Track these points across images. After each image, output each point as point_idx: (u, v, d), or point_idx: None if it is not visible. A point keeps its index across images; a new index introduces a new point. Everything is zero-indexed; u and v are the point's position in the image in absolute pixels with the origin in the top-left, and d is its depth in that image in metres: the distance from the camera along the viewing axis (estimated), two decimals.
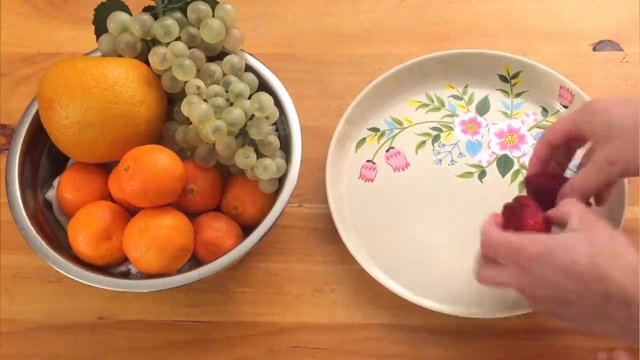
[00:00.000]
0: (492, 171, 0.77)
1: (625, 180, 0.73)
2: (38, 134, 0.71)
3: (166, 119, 0.71)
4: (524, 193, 0.75)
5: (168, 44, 0.68)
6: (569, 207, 0.60)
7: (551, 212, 0.61)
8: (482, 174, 0.77)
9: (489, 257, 0.62)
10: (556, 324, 0.70)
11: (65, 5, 0.89)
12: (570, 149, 0.67)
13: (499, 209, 0.64)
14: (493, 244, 0.60)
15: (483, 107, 0.80)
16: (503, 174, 0.77)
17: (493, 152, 0.78)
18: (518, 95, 0.81)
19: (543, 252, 0.57)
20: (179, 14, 0.70)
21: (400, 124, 0.80)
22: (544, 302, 0.59)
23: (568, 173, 0.76)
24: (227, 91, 0.67)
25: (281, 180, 0.68)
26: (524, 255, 0.58)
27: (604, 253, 0.55)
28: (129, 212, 0.68)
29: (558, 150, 0.66)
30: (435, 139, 0.79)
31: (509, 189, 0.76)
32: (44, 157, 0.73)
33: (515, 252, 0.58)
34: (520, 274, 0.58)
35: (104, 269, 0.67)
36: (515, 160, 0.77)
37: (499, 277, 0.61)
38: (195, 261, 0.68)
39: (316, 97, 0.82)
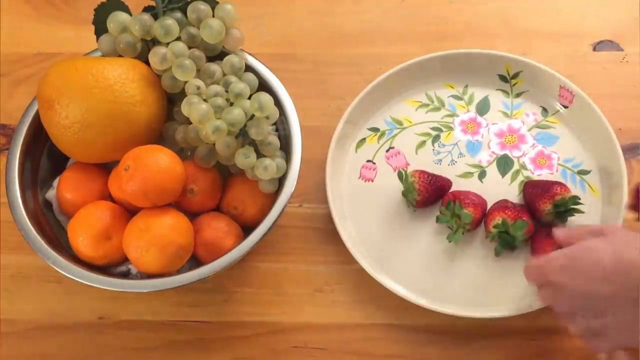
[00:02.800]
0: (492, 171, 0.77)
1: (625, 180, 0.73)
2: (38, 134, 0.71)
3: (166, 119, 0.71)
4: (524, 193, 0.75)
5: (168, 44, 0.68)
6: (579, 228, 0.61)
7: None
8: (482, 174, 0.77)
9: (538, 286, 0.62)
10: (556, 323, 0.70)
11: (65, 5, 0.89)
12: None
13: None
14: (527, 273, 0.61)
15: (483, 107, 0.80)
16: (503, 174, 0.77)
17: (493, 152, 0.78)
18: (518, 95, 0.81)
19: (566, 262, 0.57)
20: (179, 14, 0.69)
21: (400, 124, 0.80)
22: (579, 318, 0.57)
23: (569, 172, 0.76)
24: (227, 91, 0.67)
25: (281, 180, 0.68)
26: (550, 271, 0.58)
27: (626, 246, 0.54)
28: (129, 212, 0.68)
29: None
30: (435, 139, 0.79)
31: (509, 189, 0.76)
32: (44, 157, 0.73)
33: (542, 271, 0.59)
34: (553, 291, 0.58)
35: (104, 269, 0.67)
36: (515, 160, 0.77)
37: (544, 296, 0.61)
38: (195, 261, 0.68)
39: (316, 97, 0.82)
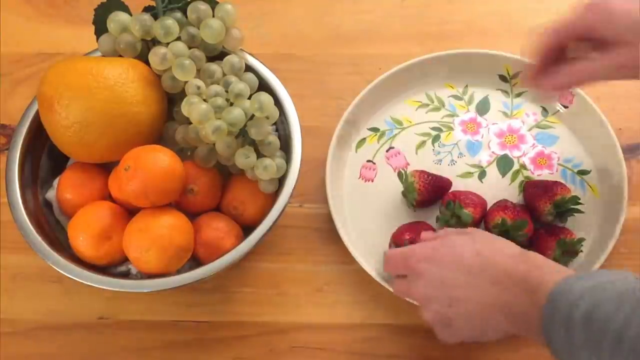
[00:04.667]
0: (492, 171, 0.77)
1: (625, 180, 0.73)
2: (38, 134, 0.71)
3: (166, 119, 0.71)
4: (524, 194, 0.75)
5: (168, 44, 0.68)
6: (446, 229, 0.68)
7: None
8: (482, 174, 0.77)
9: (396, 274, 0.67)
10: None
11: (65, 6, 0.89)
12: (562, 52, 0.66)
13: None
14: (389, 259, 0.67)
15: (483, 107, 0.80)
16: (503, 174, 0.77)
17: (493, 152, 0.78)
18: (518, 95, 0.81)
19: (430, 252, 0.63)
20: (179, 14, 0.69)
21: (400, 124, 0.80)
22: (434, 305, 0.61)
23: (569, 172, 0.76)
24: (227, 91, 0.67)
25: (281, 180, 0.68)
26: (413, 258, 0.64)
27: (485, 244, 0.62)
28: (129, 212, 0.68)
29: (554, 50, 0.65)
30: (435, 139, 0.79)
31: (509, 189, 0.76)
32: (44, 157, 0.73)
33: (405, 258, 0.64)
34: (413, 279, 0.63)
35: (104, 269, 0.67)
36: (515, 160, 0.77)
37: (399, 286, 0.66)
38: (195, 261, 0.68)
39: (316, 97, 0.82)
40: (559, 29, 0.64)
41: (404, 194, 0.75)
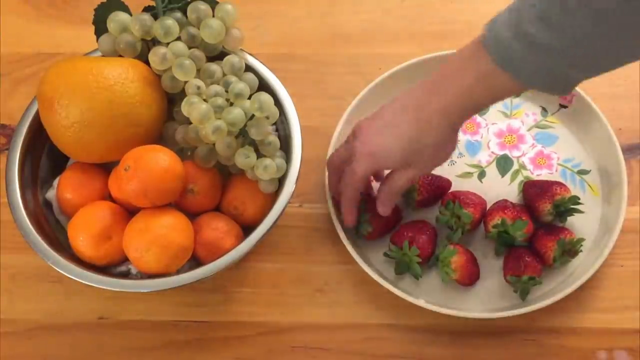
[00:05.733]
0: (492, 171, 0.77)
1: (625, 180, 0.73)
2: (38, 134, 0.71)
3: (166, 119, 0.71)
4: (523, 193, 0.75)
5: (168, 44, 0.68)
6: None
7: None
8: (482, 174, 0.77)
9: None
10: (556, 323, 0.70)
11: (65, 5, 0.90)
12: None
13: None
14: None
15: None
16: (502, 174, 0.77)
17: (492, 152, 0.78)
18: (518, 95, 0.81)
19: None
20: (179, 14, 0.70)
21: None
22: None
23: (568, 172, 0.76)
24: (227, 91, 0.67)
25: (281, 180, 0.68)
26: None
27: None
28: (129, 212, 0.68)
29: None
30: None
31: (508, 189, 0.76)
32: (44, 157, 0.73)
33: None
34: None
35: (104, 269, 0.67)
36: (515, 160, 0.77)
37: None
38: (195, 261, 0.68)
39: (316, 97, 0.82)
40: (359, 186, 0.70)
41: (404, 194, 0.75)
